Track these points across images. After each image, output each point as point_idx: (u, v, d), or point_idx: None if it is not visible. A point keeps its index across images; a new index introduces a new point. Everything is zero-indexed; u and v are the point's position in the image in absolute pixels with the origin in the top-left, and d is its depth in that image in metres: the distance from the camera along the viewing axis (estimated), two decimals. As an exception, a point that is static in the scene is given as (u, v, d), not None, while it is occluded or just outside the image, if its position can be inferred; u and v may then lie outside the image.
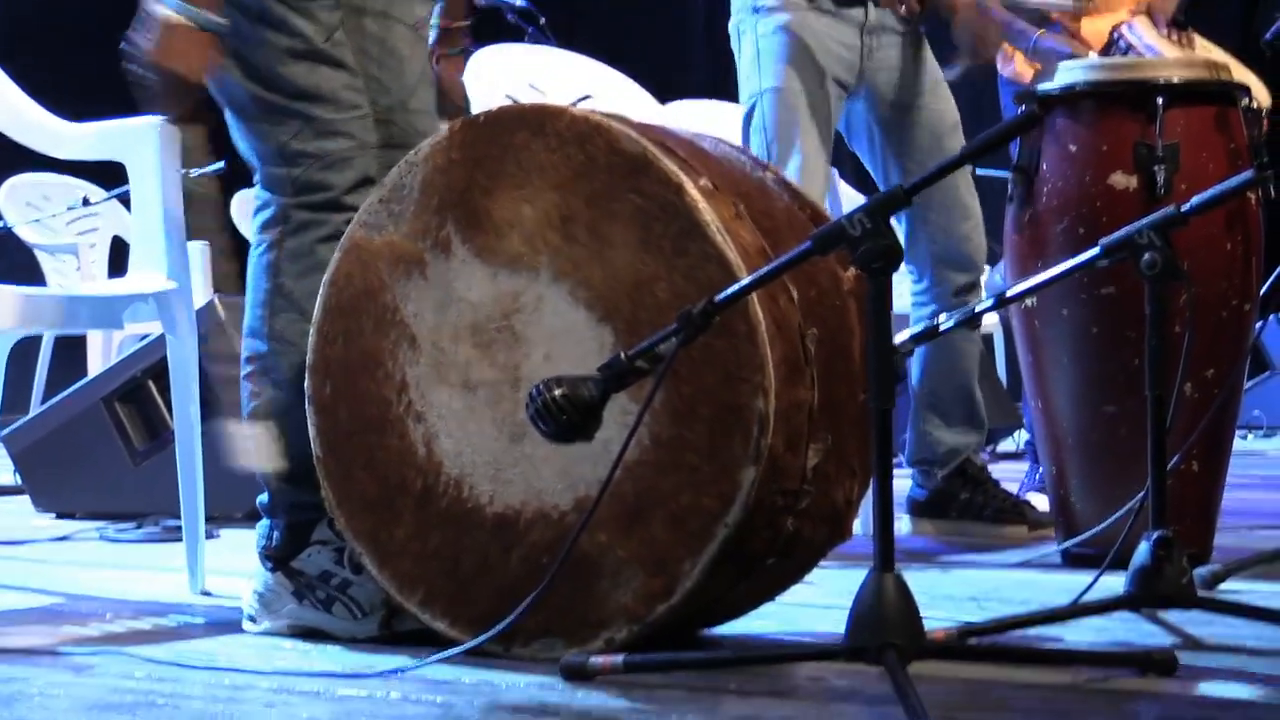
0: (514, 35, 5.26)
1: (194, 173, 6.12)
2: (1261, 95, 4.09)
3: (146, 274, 3.30)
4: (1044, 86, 3.65)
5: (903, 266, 4.19)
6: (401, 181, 2.67)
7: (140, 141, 3.32)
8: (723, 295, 2.27)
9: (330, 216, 2.83)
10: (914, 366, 4.33)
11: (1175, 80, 3.57)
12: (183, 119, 2.78)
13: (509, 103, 4.86)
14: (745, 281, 2.29)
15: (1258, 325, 6.23)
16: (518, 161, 2.59)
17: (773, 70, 4.03)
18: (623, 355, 2.29)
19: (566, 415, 2.29)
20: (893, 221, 2.22)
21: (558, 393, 2.29)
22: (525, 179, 2.58)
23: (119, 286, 3.36)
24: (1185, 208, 2.67)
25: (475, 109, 4.75)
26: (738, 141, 4.19)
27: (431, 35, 3.10)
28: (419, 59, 2.99)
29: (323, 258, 2.78)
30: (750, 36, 4.09)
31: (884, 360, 2.16)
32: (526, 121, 2.61)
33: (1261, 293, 4.17)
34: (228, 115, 2.91)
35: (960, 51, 4.12)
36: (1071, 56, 4.31)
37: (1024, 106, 3.65)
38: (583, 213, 2.54)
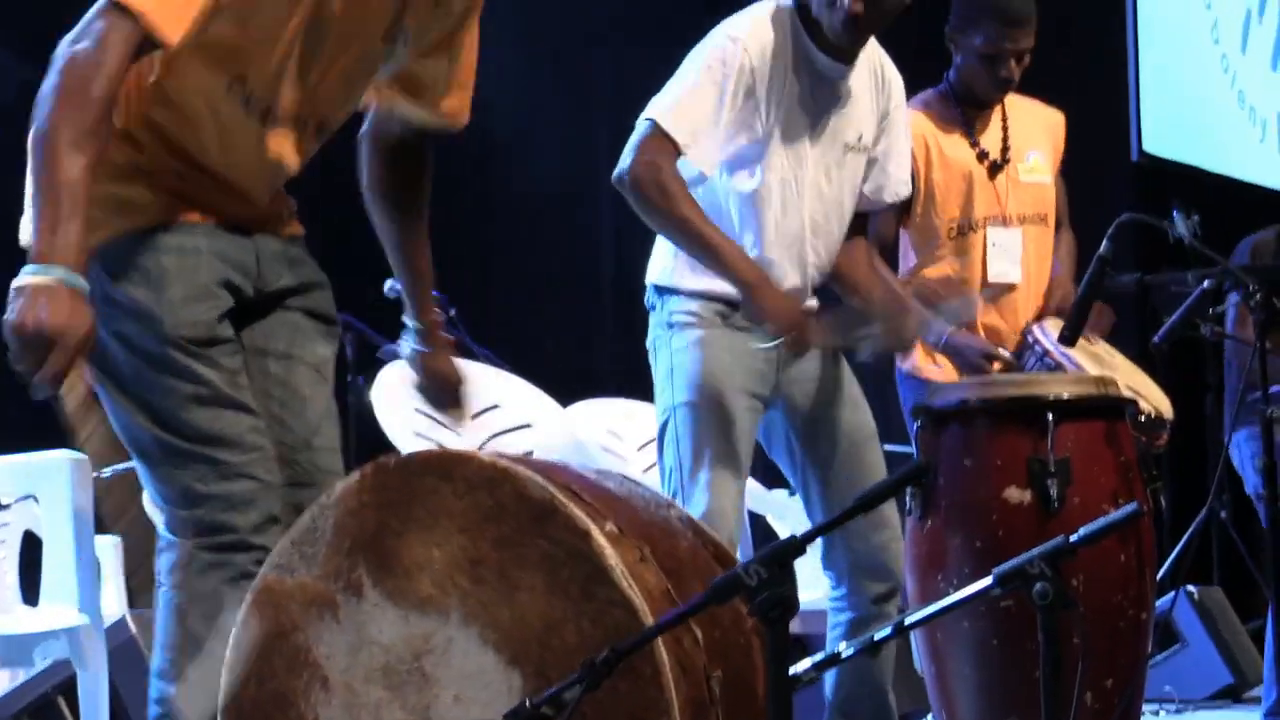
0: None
1: (106, 473, 6.15)
2: (1162, 405, 4.21)
3: (57, 607, 3.33)
4: (938, 401, 3.76)
5: (821, 568, 4.26)
6: (314, 524, 2.73)
7: (52, 476, 3.37)
8: (625, 644, 2.33)
9: (235, 557, 2.84)
10: (827, 670, 4.35)
11: (1065, 396, 3.68)
12: (59, 382, 2.73)
13: (417, 418, 4.95)
14: (648, 631, 2.36)
15: (1169, 598, 6.30)
16: (427, 506, 2.65)
17: (685, 385, 4.08)
18: (528, 702, 2.34)
19: (475, 762, 2.33)
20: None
21: (465, 740, 2.33)
22: (435, 523, 2.65)
23: (30, 623, 3.38)
24: (1074, 538, 2.74)
25: (382, 422, 4.81)
26: (652, 438, 4.25)
27: (411, 338, 3.21)
28: (322, 397, 3.04)
29: (229, 599, 2.80)
30: (665, 352, 4.14)
31: (782, 708, 2.21)
32: (435, 467, 2.68)
33: (1163, 570, 4.25)
34: (134, 459, 2.95)
35: (874, 338, 4.14)
36: (984, 354, 4.43)
37: (918, 421, 3.76)
38: (491, 556, 2.60)
